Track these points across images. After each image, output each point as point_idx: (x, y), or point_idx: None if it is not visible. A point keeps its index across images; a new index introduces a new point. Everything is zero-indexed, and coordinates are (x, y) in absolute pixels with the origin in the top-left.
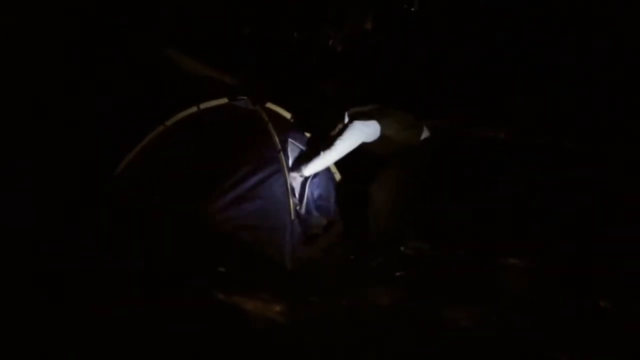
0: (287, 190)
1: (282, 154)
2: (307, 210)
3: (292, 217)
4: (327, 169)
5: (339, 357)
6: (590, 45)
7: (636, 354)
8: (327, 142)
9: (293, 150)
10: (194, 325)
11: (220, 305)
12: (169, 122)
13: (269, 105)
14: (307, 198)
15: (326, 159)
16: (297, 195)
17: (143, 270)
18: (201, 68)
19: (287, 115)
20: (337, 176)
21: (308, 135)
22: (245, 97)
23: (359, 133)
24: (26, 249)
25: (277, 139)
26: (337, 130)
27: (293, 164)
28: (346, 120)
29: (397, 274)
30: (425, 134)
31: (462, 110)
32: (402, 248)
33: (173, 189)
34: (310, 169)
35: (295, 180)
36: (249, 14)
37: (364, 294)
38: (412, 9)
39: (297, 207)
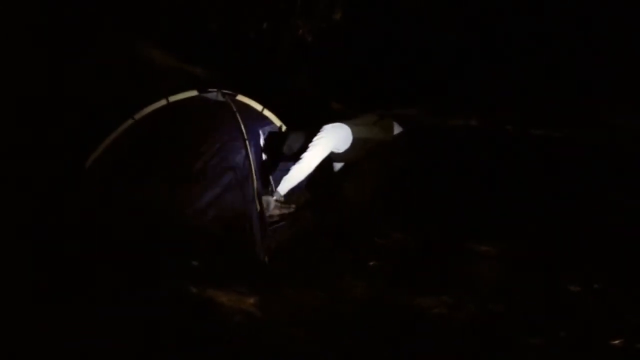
0: (253, 180)
1: (248, 143)
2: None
3: (258, 207)
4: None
5: (315, 349)
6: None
7: (606, 336)
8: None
9: (262, 141)
10: (168, 319)
11: (194, 299)
12: (137, 116)
13: (240, 97)
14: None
15: (298, 174)
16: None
17: (115, 265)
18: (171, 61)
19: (259, 107)
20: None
21: (281, 126)
22: (215, 90)
23: (328, 137)
24: None
25: (243, 129)
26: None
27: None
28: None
29: (371, 263)
30: (397, 128)
31: (432, 99)
32: (375, 238)
33: (143, 182)
34: (284, 187)
35: (270, 204)
36: (218, 6)
37: (339, 285)
38: None
39: (268, 195)
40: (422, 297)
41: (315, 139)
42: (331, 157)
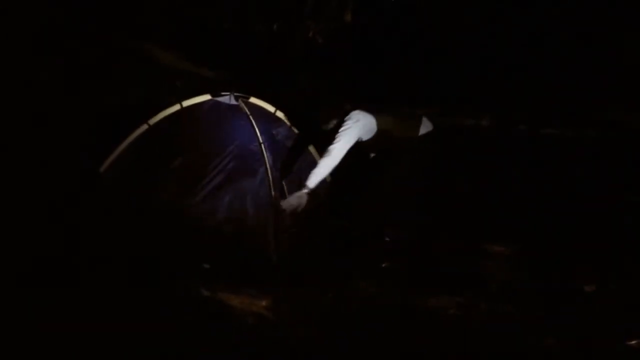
0: (269, 183)
1: (263, 146)
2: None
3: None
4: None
5: (328, 351)
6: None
7: (621, 337)
8: (324, 143)
9: (277, 144)
10: (180, 322)
11: (206, 302)
12: (152, 121)
13: (252, 99)
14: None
15: (326, 167)
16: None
17: (128, 269)
18: (182, 64)
19: (272, 109)
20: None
21: (294, 129)
22: (228, 93)
23: (356, 126)
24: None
25: (258, 132)
26: (330, 124)
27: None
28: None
29: (383, 265)
30: (426, 127)
31: (442, 99)
32: (387, 239)
33: (158, 188)
34: (313, 181)
35: (302, 197)
36: (229, 7)
37: (351, 286)
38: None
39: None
40: (435, 298)
41: (342, 128)
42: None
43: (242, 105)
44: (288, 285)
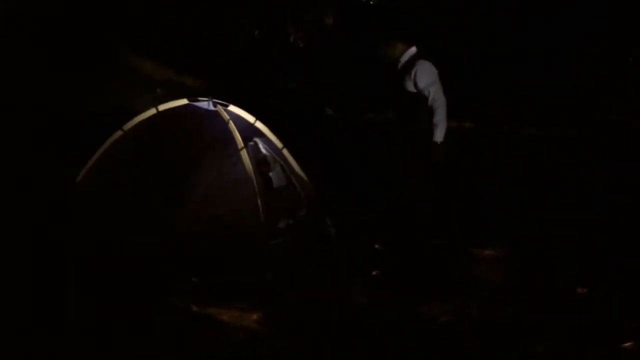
0: (255, 191)
1: (244, 151)
2: None
3: (262, 219)
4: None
5: None
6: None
7: (615, 339)
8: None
9: (258, 151)
10: (169, 338)
11: (195, 317)
12: (126, 127)
13: (232, 107)
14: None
15: (444, 116)
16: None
17: (111, 283)
18: (162, 72)
19: (251, 119)
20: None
21: (273, 140)
22: (206, 99)
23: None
24: None
25: (238, 137)
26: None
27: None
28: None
29: (374, 273)
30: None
31: None
32: (376, 246)
33: (136, 195)
34: (440, 135)
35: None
36: (209, 15)
37: (342, 296)
38: (371, 2)
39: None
40: (428, 305)
41: (426, 83)
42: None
43: (221, 110)
44: (279, 298)
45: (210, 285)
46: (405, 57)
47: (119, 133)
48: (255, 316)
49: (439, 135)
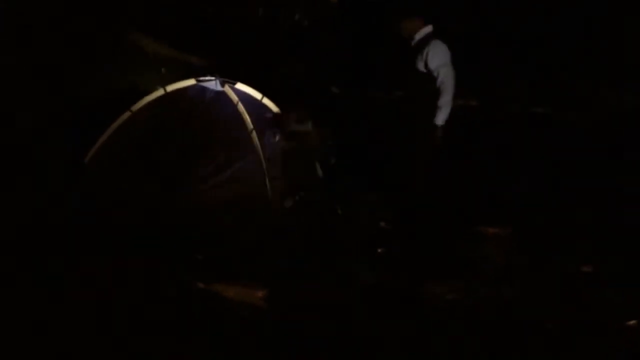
0: (264, 171)
1: (254, 133)
2: None
3: (270, 194)
4: None
5: (325, 342)
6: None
7: (621, 318)
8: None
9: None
10: (174, 315)
11: (200, 294)
12: (134, 108)
13: (239, 85)
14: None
15: (450, 101)
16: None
17: (117, 261)
18: (165, 51)
19: (258, 95)
20: None
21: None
22: (213, 78)
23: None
24: None
25: (248, 119)
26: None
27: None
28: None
29: (379, 250)
30: None
31: None
32: (382, 223)
33: (144, 176)
34: (441, 118)
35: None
36: None
37: (348, 274)
38: None
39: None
40: (433, 283)
41: (439, 63)
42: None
43: (229, 90)
44: (284, 275)
45: (215, 262)
46: (419, 35)
47: (127, 114)
48: (260, 293)
49: (440, 118)
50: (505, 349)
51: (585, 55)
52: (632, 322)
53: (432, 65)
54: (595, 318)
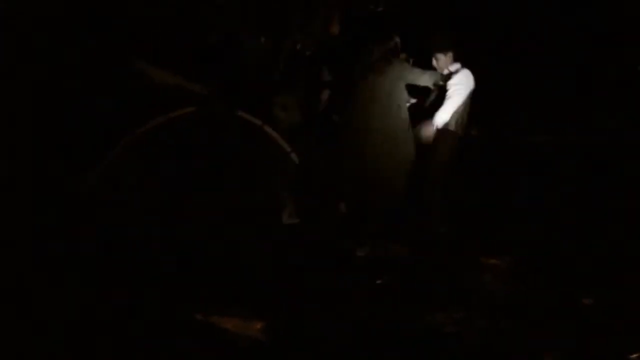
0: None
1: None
2: None
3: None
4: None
5: None
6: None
7: (622, 350)
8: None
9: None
10: (171, 348)
11: (197, 325)
12: (138, 132)
13: (240, 113)
14: None
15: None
16: None
17: (113, 291)
18: (170, 79)
19: (258, 122)
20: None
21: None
22: (215, 104)
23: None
24: None
25: (244, 145)
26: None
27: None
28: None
29: (378, 281)
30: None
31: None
32: (380, 253)
33: (144, 202)
34: (440, 119)
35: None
36: (214, 22)
37: (346, 305)
38: (379, 9)
39: None
40: (432, 314)
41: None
42: None
43: (231, 117)
44: (283, 307)
45: (213, 293)
46: (453, 67)
47: (130, 138)
48: (259, 325)
49: (439, 119)
50: None
51: (584, 85)
52: (634, 355)
53: (454, 81)
54: (596, 351)
